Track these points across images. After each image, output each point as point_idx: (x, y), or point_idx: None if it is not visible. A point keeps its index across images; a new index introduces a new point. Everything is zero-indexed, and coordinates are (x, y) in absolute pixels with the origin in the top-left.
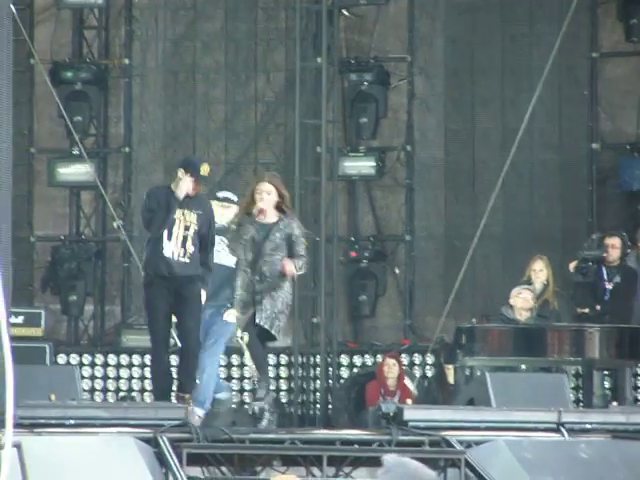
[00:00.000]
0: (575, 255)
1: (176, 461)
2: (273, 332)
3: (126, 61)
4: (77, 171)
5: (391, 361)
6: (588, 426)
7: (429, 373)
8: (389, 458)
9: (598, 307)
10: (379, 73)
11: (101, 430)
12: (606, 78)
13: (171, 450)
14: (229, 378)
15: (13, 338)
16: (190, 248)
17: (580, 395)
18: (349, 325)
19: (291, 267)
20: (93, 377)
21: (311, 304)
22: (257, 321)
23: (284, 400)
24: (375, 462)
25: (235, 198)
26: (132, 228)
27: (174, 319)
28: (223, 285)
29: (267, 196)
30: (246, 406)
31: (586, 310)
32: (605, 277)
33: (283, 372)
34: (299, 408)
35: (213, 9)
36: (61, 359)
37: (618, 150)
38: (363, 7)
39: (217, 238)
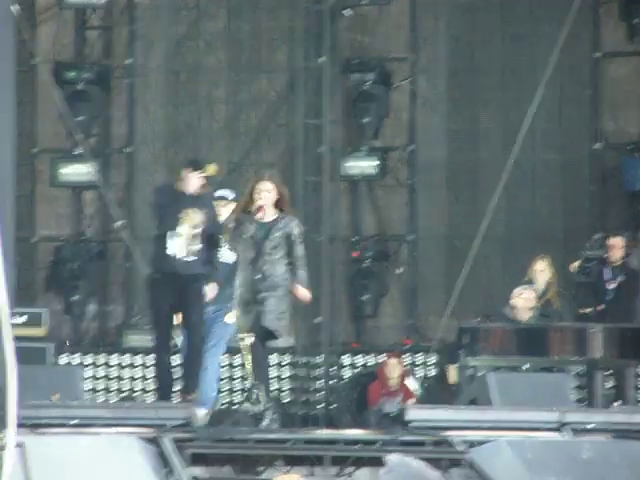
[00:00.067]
0: (577, 255)
1: (179, 461)
2: (278, 333)
3: (128, 61)
4: (79, 171)
5: (393, 361)
6: (590, 426)
7: (431, 373)
8: (392, 458)
9: (600, 307)
10: (381, 73)
11: (104, 430)
12: (609, 78)
13: (174, 450)
14: (231, 378)
15: (15, 338)
16: (195, 247)
17: (582, 395)
18: (351, 325)
19: (303, 293)
20: (95, 377)
21: (313, 304)
22: (262, 323)
23: (287, 400)
24: (378, 462)
25: (231, 195)
26: (134, 228)
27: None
28: (224, 284)
29: (267, 194)
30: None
31: (588, 310)
32: (607, 277)
33: (286, 372)
34: (302, 408)
35: (215, 9)
36: (63, 359)
37: (621, 150)
38: (365, 7)
39: None
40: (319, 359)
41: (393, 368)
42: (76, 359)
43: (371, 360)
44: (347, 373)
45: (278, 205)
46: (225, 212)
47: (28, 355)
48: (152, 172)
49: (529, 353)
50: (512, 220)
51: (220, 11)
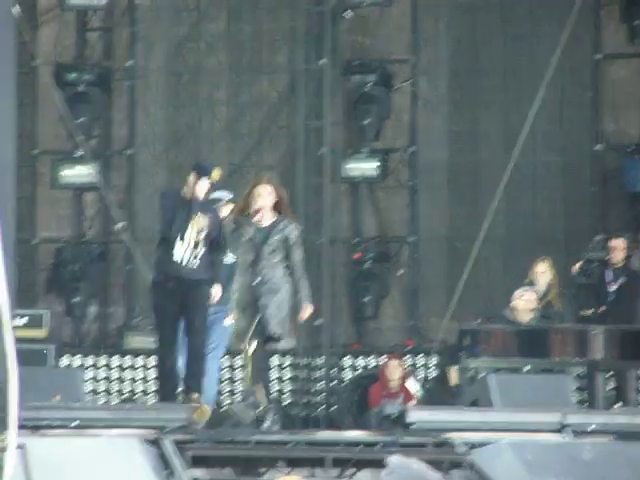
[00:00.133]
0: (578, 257)
1: (180, 463)
2: (280, 337)
3: (129, 63)
4: (80, 173)
5: (394, 362)
6: (591, 428)
7: (432, 374)
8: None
9: (602, 309)
10: (382, 74)
11: (105, 432)
12: (609, 80)
13: (175, 452)
14: (232, 380)
15: (16, 340)
16: (201, 252)
17: (583, 397)
18: (352, 327)
19: (305, 313)
20: (96, 379)
21: (314, 306)
22: (265, 330)
23: (288, 402)
24: (379, 463)
25: (228, 196)
26: (135, 230)
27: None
28: (225, 285)
29: (265, 197)
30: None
31: (590, 312)
32: (609, 279)
33: (287, 374)
34: (303, 410)
35: (216, 10)
36: (64, 361)
37: (621, 152)
38: (366, 8)
39: None
40: (320, 361)
41: (394, 370)
42: (77, 361)
43: (372, 362)
44: (348, 375)
45: (276, 208)
46: (222, 213)
47: (29, 357)
48: (153, 174)
49: (530, 355)
50: (513, 222)
51: (221, 13)
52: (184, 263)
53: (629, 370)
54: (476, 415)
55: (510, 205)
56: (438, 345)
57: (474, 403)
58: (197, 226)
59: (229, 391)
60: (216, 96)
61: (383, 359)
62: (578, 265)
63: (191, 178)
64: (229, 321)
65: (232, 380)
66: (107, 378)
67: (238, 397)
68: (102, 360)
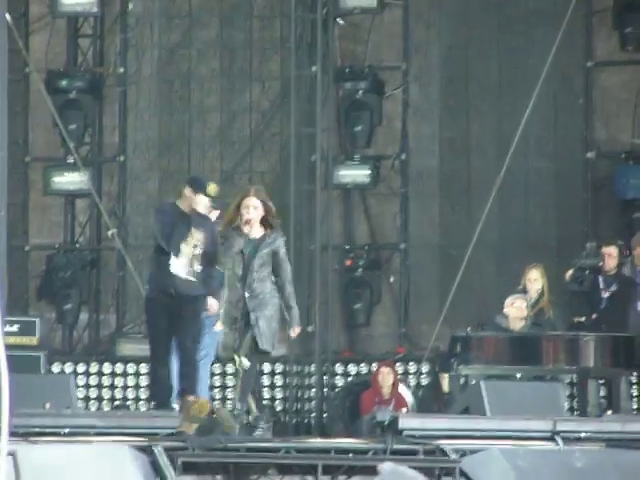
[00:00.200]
0: (570, 263)
1: (171, 470)
2: (272, 350)
3: (121, 69)
4: (72, 180)
5: (386, 370)
6: (583, 435)
7: (424, 382)
8: (385, 467)
9: (594, 316)
10: (374, 81)
11: (96, 439)
12: (601, 87)
13: (166, 459)
14: (224, 387)
15: (8, 347)
16: (196, 266)
17: (575, 404)
18: (344, 334)
19: (294, 333)
20: (88, 386)
21: (306, 313)
22: (259, 347)
23: (279, 408)
24: (370, 471)
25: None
26: (127, 236)
27: None
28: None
29: (253, 210)
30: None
31: (582, 319)
32: (602, 286)
33: (278, 381)
34: (294, 417)
35: (208, 17)
36: (56, 368)
37: (613, 159)
38: (358, 16)
39: None
40: (312, 368)
41: (386, 377)
42: (68, 367)
43: (364, 369)
44: (340, 382)
45: (263, 221)
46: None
47: (20, 364)
48: (145, 180)
49: (522, 362)
50: (505, 228)
51: (212, 19)
52: (181, 276)
53: (620, 377)
54: (468, 422)
55: (502, 212)
56: (430, 352)
57: (466, 410)
58: (194, 240)
59: (220, 398)
60: (208, 103)
61: (375, 366)
62: (570, 272)
63: (187, 192)
64: (219, 327)
65: (224, 387)
66: (99, 385)
67: (229, 405)
68: (94, 367)
